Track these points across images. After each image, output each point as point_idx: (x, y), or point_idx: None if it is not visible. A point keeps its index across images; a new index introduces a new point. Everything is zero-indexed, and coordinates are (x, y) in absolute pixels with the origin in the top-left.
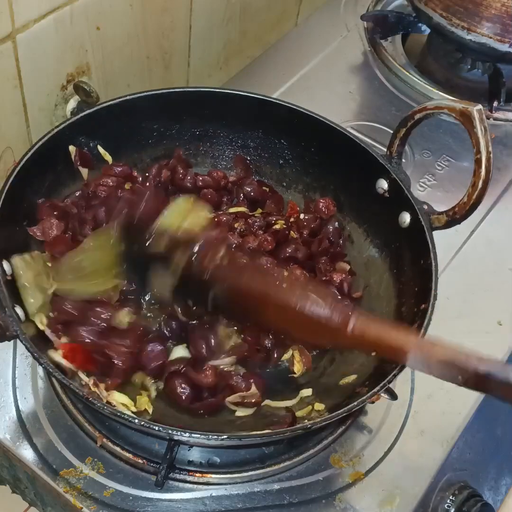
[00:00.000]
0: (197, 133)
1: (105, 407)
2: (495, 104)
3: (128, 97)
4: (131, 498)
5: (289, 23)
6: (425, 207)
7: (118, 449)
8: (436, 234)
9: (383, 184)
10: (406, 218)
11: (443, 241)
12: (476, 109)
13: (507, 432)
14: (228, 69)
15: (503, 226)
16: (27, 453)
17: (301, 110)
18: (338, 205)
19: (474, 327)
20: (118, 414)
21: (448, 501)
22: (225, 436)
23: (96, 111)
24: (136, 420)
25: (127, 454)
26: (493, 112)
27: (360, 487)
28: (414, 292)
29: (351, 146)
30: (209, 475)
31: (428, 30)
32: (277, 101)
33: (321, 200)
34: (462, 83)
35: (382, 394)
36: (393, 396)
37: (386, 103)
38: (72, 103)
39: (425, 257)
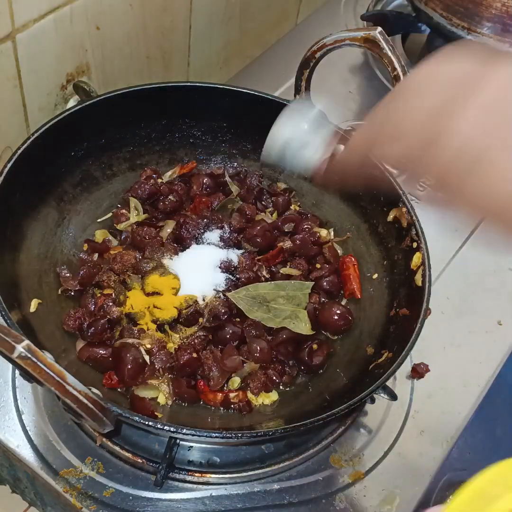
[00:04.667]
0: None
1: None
2: None
3: None
4: (131, 498)
5: (289, 23)
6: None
7: (117, 448)
8: (435, 234)
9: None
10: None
11: (443, 241)
12: (378, 32)
13: (507, 432)
14: (228, 69)
15: None
16: (27, 453)
17: (197, 84)
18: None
19: (474, 327)
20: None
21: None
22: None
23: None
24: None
25: (127, 454)
26: None
27: (360, 487)
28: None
29: (257, 102)
30: (209, 475)
31: (428, 30)
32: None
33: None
34: None
35: (382, 395)
36: (393, 396)
37: None
38: (72, 103)
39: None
